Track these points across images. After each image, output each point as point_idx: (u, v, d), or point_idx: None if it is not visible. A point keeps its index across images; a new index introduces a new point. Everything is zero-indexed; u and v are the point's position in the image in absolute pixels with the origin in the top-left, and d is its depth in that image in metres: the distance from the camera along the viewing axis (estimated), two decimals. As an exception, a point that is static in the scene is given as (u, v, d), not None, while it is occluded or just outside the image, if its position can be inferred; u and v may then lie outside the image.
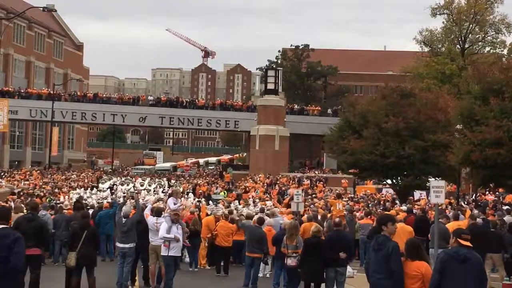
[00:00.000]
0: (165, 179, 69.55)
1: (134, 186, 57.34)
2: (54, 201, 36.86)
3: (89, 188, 55.31)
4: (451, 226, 23.19)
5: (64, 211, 29.57)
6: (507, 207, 38.57)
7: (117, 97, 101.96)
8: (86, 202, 37.08)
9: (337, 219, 20.44)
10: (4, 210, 13.27)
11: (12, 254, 11.65)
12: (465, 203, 43.70)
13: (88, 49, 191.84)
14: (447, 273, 11.24)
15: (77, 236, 19.10)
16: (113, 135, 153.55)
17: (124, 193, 46.57)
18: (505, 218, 29.61)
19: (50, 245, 28.16)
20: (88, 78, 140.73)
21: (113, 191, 54.14)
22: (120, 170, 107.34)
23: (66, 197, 45.92)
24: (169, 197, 26.81)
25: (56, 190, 52.34)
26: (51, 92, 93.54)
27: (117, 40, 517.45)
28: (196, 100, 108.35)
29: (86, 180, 70.45)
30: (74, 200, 37.70)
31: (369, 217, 30.10)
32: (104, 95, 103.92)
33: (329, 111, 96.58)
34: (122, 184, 58.94)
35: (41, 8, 66.01)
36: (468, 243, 11.51)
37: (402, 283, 11.89)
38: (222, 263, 26.62)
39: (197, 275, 26.34)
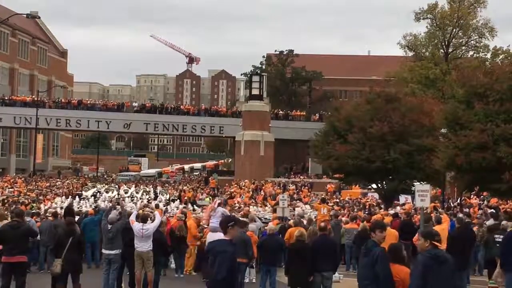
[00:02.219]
0: (151, 186, 69.42)
1: (118, 194, 57.12)
2: (34, 210, 36.49)
3: (69, 197, 54.69)
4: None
5: (49, 217, 29.46)
6: (491, 210, 38.76)
7: (102, 104, 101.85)
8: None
9: (322, 224, 20.44)
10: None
11: None
12: (444, 208, 43.84)
13: (72, 56, 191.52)
14: (431, 276, 11.16)
15: (63, 242, 19.04)
16: (97, 142, 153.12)
17: (109, 200, 46.21)
18: (487, 222, 29.75)
19: (36, 252, 28.11)
20: (73, 85, 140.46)
21: (96, 198, 53.81)
22: (105, 176, 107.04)
23: (49, 203, 45.82)
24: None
25: (41, 197, 52.14)
26: (36, 99, 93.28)
27: (101, 46, 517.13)
28: (181, 106, 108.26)
29: (71, 187, 70.10)
30: (54, 207, 37.67)
31: (354, 221, 30.12)
32: (89, 102, 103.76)
33: (315, 116, 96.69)
34: (106, 192, 58.65)
35: (25, 15, 66.02)
36: (440, 245, 11.56)
37: None
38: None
39: (184, 281, 26.29)
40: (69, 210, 27.36)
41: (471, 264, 24.72)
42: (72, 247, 18.92)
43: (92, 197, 54.94)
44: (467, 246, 22.62)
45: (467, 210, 40.53)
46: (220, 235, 19.88)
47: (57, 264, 18.80)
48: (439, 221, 24.73)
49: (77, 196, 55.50)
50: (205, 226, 25.32)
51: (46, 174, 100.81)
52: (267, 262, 21.70)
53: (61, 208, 35.82)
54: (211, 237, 20.49)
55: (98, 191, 61.15)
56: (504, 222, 24.98)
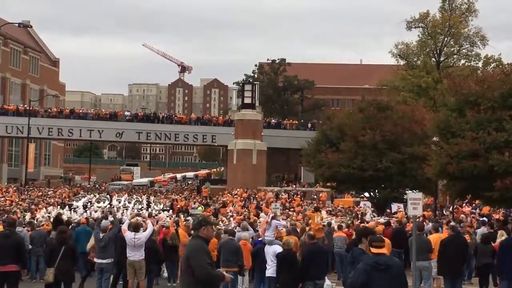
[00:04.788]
0: (143, 196, 69.29)
1: (110, 204, 56.96)
2: (26, 219, 36.32)
3: (58, 206, 54.41)
4: (433, 238, 23.33)
5: (41, 227, 29.41)
6: (483, 218, 38.84)
7: (94, 113, 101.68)
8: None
9: (311, 233, 20.53)
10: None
11: None
12: (437, 215, 43.86)
13: (64, 65, 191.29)
14: (371, 283, 10.97)
15: (55, 251, 18.98)
16: (90, 151, 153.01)
17: (101, 211, 45.81)
18: (479, 230, 29.82)
19: (28, 262, 28.04)
20: (65, 94, 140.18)
21: (86, 208, 53.54)
22: (98, 186, 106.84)
23: (42, 212, 45.67)
24: (272, 219, 26.96)
25: (33, 207, 52.00)
26: (27, 108, 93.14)
27: (93, 55, 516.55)
28: (174, 115, 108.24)
29: (63, 196, 69.91)
30: (43, 216, 37.59)
31: (341, 230, 30.10)
32: (81, 111, 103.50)
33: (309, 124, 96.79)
34: (98, 202, 58.46)
35: (17, 24, 65.86)
36: (382, 250, 11.25)
37: None
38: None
39: (177, 289, 26.26)
40: (57, 220, 27.33)
41: (463, 272, 24.75)
42: (65, 256, 18.86)
43: (83, 207, 54.72)
44: (459, 254, 22.64)
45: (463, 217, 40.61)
46: (276, 248, 19.99)
47: (49, 273, 18.74)
48: (437, 229, 24.83)
49: (67, 206, 55.29)
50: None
51: (37, 184, 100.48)
52: (262, 270, 21.62)
53: (48, 218, 35.71)
54: (268, 249, 20.62)
55: (89, 201, 60.95)
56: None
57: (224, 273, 11.34)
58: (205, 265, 10.95)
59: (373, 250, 11.28)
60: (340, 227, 30.20)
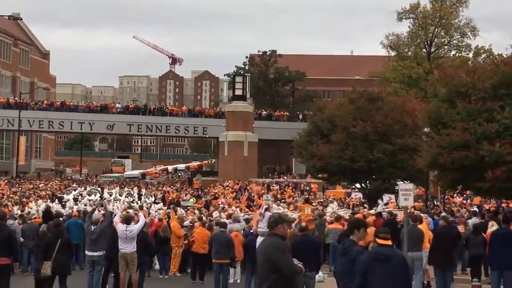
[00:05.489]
0: (135, 188, 69.20)
1: (101, 196, 56.87)
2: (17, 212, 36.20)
3: (49, 200, 54.20)
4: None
5: (32, 220, 29.37)
6: (474, 209, 38.93)
7: (85, 105, 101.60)
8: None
9: (302, 224, 20.47)
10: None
11: None
12: (428, 207, 43.96)
13: (55, 58, 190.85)
14: (371, 274, 11.27)
15: (51, 244, 18.98)
16: (81, 143, 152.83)
17: (91, 204, 45.65)
18: (470, 221, 29.89)
19: (19, 254, 27.99)
20: (55, 87, 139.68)
21: (78, 201, 53.41)
22: (89, 178, 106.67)
23: (32, 205, 45.57)
24: (266, 210, 26.95)
25: (24, 200, 51.88)
26: (18, 100, 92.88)
27: (84, 48, 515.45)
28: (165, 107, 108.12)
29: (55, 188, 69.72)
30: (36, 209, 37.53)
31: (339, 221, 30.13)
32: (71, 103, 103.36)
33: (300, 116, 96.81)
34: (89, 194, 58.34)
35: (7, 17, 65.55)
36: (387, 242, 11.51)
37: None
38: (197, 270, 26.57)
39: (169, 282, 26.26)
40: (47, 213, 27.29)
41: (455, 263, 24.82)
42: (61, 249, 18.93)
43: (73, 200, 54.59)
44: (451, 245, 22.71)
45: (452, 208, 40.69)
46: None
47: (46, 266, 18.73)
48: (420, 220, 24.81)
49: (57, 199, 55.10)
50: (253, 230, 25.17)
51: (28, 176, 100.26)
52: (253, 262, 21.53)
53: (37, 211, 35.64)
54: (260, 241, 20.52)
55: (80, 194, 60.84)
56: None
57: (299, 265, 11.50)
58: (292, 263, 11.17)
59: (379, 241, 11.53)
60: (338, 219, 30.22)
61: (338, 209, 41.82)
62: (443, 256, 21.70)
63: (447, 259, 21.98)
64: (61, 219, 29.12)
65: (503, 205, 46.71)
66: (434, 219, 30.38)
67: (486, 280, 22.28)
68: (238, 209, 41.28)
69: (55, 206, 44.26)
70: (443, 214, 30.84)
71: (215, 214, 36.36)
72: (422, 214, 27.52)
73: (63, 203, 52.47)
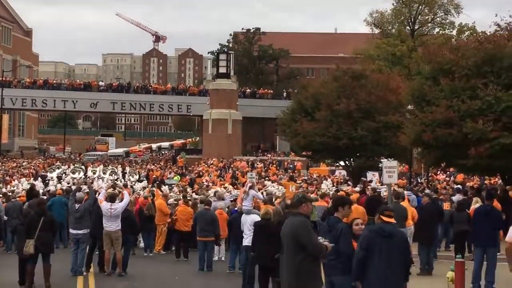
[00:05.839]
0: (119, 166, 69.09)
1: (85, 175, 56.78)
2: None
3: (32, 178, 54.04)
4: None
5: (17, 198, 29.27)
6: (457, 186, 39.13)
7: (68, 83, 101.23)
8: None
9: (287, 201, 20.44)
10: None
11: None
12: (411, 184, 44.10)
13: (37, 35, 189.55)
14: (372, 250, 11.46)
15: (34, 223, 18.95)
16: (64, 122, 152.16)
17: (75, 183, 45.48)
18: (454, 198, 30.05)
19: (3, 233, 28.01)
20: (38, 65, 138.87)
21: (62, 180, 53.32)
22: (73, 157, 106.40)
23: (15, 183, 45.51)
24: (250, 188, 26.90)
25: (7, 178, 51.77)
26: (0, 78, 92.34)
27: (67, 25, 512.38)
28: (148, 85, 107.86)
29: (38, 167, 69.55)
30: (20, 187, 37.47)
31: (323, 199, 30.15)
32: (55, 81, 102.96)
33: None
34: (73, 172, 58.21)
35: (-12, -6, 65.06)
36: (391, 220, 11.75)
37: (352, 265, 11.90)
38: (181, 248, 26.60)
39: (154, 259, 26.29)
40: (31, 191, 27.23)
41: (437, 239, 24.95)
42: (44, 227, 18.89)
43: (57, 178, 54.49)
44: (434, 222, 22.86)
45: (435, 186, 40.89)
46: (254, 217, 19.88)
47: (29, 244, 18.69)
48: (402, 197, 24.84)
49: (39, 178, 54.96)
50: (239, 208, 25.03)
51: (11, 155, 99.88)
52: (238, 240, 21.47)
53: (23, 190, 35.54)
54: (245, 219, 20.44)
55: (64, 172, 60.72)
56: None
57: (325, 243, 11.57)
58: (318, 242, 11.32)
59: (384, 218, 11.74)
60: (323, 196, 30.23)
61: (332, 186, 41.94)
62: (427, 233, 21.82)
63: (431, 236, 22.11)
64: (45, 197, 29.20)
65: (486, 182, 47.05)
66: (418, 196, 30.45)
67: (469, 256, 22.40)
68: (228, 189, 40.99)
69: (38, 185, 44.20)
70: (427, 191, 31.02)
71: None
72: (405, 192, 27.55)
73: (47, 181, 52.43)
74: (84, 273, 21.66)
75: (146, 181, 53.75)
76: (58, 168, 63.98)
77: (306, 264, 11.17)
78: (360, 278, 11.61)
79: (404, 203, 23.09)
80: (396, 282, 11.55)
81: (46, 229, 18.96)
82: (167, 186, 42.87)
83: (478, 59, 31.16)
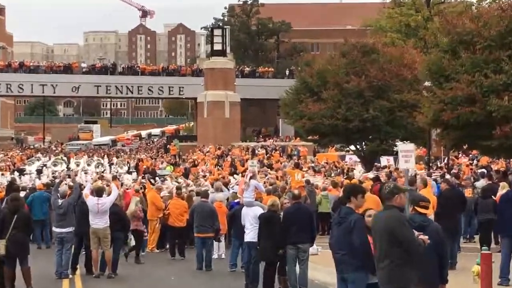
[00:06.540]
0: (105, 157, 69.14)
1: (68, 167, 56.77)
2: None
3: (8, 172, 54.03)
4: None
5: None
6: (481, 170, 39.10)
7: (46, 66, 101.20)
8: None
9: (296, 191, 20.38)
10: None
11: None
12: (435, 167, 44.09)
13: (11, 13, 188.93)
14: None
15: (7, 221, 18.75)
16: (43, 108, 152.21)
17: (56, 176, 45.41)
18: (477, 183, 30.05)
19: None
20: (12, 45, 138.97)
21: (42, 174, 53.29)
22: (53, 147, 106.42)
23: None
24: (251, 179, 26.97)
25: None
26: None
27: (44, 1, 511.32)
28: (136, 66, 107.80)
29: (16, 158, 69.56)
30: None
31: (335, 188, 30.23)
32: (31, 64, 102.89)
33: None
34: (54, 165, 58.06)
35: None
36: (425, 211, 11.90)
37: (367, 259, 11.91)
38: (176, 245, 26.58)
39: (147, 259, 26.27)
40: (11, 186, 27.20)
41: (461, 230, 24.95)
42: (17, 226, 18.57)
43: (37, 172, 54.47)
44: (456, 210, 22.80)
45: (455, 171, 40.87)
46: (257, 210, 19.92)
47: (1, 245, 18.38)
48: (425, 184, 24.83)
49: (15, 172, 54.75)
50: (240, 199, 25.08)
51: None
52: (241, 235, 21.39)
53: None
54: (246, 212, 20.44)
55: (44, 165, 60.67)
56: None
57: (422, 237, 11.58)
58: (415, 238, 11.20)
59: (419, 209, 11.92)
60: (335, 185, 30.29)
61: (363, 172, 42.06)
62: (450, 222, 21.81)
63: (454, 226, 22.08)
64: (24, 192, 29.19)
65: (513, 164, 46.98)
66: (438, 182, 30.45)
67: (496, 248, 22.38)
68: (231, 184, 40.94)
69: (17, 179, 44.20)
70: (447, 176, 31.01)
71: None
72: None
73: (24, 175, 52.40)
74: (70, 276, 21.69)
75: (135, 173, 53.79)
76: (38, 160, 64.05)
77: (403, 261, 11.12)
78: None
79: (425, 190, 23.09)
80: (429, 277, 11.64)
81: (20, 228, 18.57)
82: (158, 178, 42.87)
83: (501, 29, 31.06)
